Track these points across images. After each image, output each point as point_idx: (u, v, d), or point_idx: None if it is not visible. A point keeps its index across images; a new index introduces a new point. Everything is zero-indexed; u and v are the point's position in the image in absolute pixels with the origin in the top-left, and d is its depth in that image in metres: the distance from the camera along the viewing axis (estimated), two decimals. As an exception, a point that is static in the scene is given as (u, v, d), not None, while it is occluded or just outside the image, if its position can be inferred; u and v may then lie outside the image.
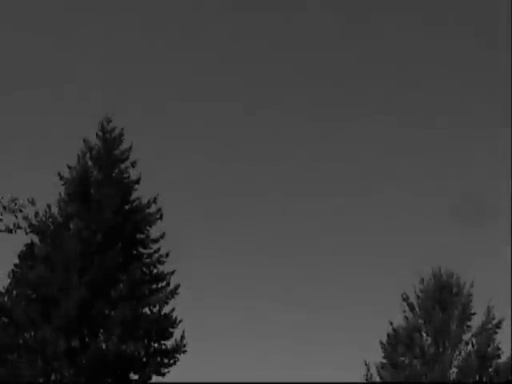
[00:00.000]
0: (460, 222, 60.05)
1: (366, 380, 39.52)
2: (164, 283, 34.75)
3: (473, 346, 39.54)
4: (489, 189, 67.05)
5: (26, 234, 17.81)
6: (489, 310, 40.15)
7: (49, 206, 34.57)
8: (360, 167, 77.37)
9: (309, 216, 77.65)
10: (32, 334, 32.84)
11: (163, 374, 34.03)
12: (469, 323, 40.04)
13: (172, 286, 34.54)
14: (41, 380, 32.40)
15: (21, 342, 32.88)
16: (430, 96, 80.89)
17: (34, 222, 33.36)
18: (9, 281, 34.25)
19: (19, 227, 15.24)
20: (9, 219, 15.04)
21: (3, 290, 33.97)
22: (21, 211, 14.86)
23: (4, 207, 14.88)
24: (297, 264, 73.90)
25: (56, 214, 34.74)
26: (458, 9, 77.87)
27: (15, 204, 14.91)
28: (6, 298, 33.74)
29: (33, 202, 14.96)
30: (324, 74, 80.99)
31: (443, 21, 78.57)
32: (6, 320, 33.44)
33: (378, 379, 39.60)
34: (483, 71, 79.73)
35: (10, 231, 15.08)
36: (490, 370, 39.24)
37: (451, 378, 38.68)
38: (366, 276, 73.22)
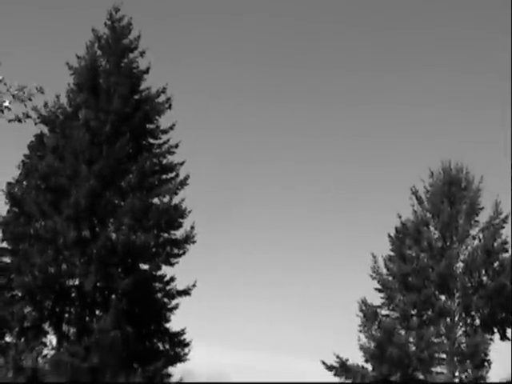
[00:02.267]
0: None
1: (373, 272, 39.84)
2: (173, 174, 34.74)
3: (479, 240, 39.65)
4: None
5: (35, 124, 17.65)
6: (496, 205, 40.09)
7: (57, 97, 34.41)
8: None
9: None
10: (42, 223, 33.07)
11: (173, 264, 34.36)
12: (476, 218, 40.05)
13: (182, 177, 34.59)
14: (52, 269, 32.81)
15: (32, 231, 33.18)
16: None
17: (43, 112, 33.30)
18: (19, 171, 34.36)
19: (28, 116, 15.00)
20: (18, 108, 14.81)
21: (14, 181, 34.10)
22: (30, 100, 14.59)
23: (13, 96, 14.62)
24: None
25: (65, 104, 34.57)
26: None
27: (24, 92, 14.63)
28: (16, 189, 33.89)
29: (41, 90, 14.68)
30: None
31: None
32: (17, 210, 33.69)
33: (384, 271, 39.89)
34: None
35: (19, 120, 14.85)
36: (496, 264, 39.48)
37: (457, 272, 39.01)
38: (374, 168, 73.62)
